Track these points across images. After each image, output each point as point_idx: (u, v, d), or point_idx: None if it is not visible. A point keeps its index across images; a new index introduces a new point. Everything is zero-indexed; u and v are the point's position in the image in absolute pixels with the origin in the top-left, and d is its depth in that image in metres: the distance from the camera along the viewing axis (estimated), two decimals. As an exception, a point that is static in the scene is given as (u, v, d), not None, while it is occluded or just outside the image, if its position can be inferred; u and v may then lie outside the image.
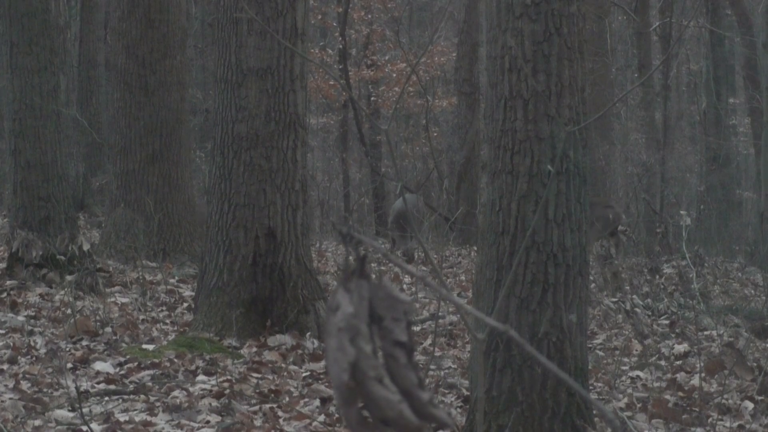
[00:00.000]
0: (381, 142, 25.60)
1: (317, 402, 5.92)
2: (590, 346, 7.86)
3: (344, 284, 1.22)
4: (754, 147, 24.02)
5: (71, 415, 5.38)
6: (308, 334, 7.52)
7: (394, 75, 26.06)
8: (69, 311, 7.93)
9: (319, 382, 6.45)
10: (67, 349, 7.03)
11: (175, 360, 6.68)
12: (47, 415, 5.37)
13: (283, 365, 6.81)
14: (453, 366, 7.20)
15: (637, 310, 9.37)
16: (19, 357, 6.73)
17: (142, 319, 8.39)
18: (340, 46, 24.18)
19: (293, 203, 7.72)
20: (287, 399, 5.94)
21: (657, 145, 21.86)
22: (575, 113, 4.92)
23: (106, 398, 5.83)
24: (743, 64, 24.70)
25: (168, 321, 8.53)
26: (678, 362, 7.68)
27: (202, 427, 5.34)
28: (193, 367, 6.55)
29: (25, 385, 5.95)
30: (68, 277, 9.18)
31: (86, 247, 9.76)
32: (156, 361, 6.62)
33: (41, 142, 10.13)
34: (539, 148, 4.83)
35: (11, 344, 7.04)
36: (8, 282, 9.29)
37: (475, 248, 9.39)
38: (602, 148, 18.00)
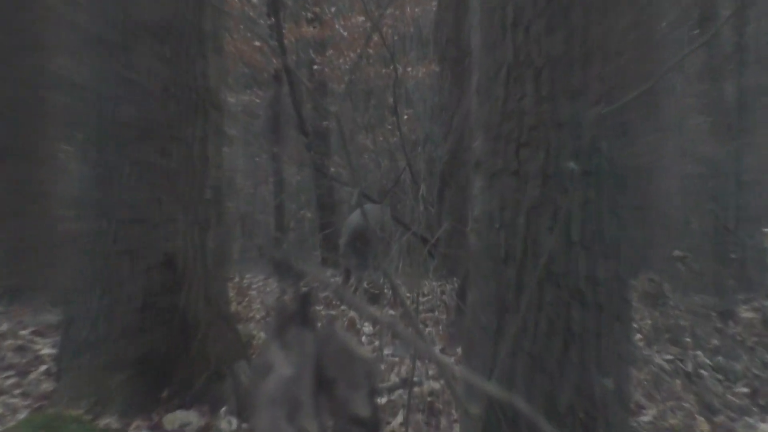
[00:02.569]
0: (329, 130, 25.63)
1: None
2: (635, 424, 7.90)
3: (278, 336, 1.23)
4: None
5: None
6: (223, 409, 7.53)
7: (346, 33, 26.12)
8: None
9: (241, 479, 6.46)
10: None
11: (30, 449, 6.66)
12: None
13: (187, 455, 6.82)
14: (435, 455, 7.23)
15: (702, 372, 9.42)
16: None
17: (-19, 390, 8.36)
18: (270, -8, 24.21)
19: (201, 219, 7.73)
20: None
21: (729, 133, 21.98)
22: (608, 88, 4.95)
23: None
24: None
25: (17, 392, 8.50)
26: (761, 447, 7.74)
27: None
28: (56, 460, 6.54)
29: None
30: None
31: None
32: (2, 450, 6.61)
33: None
34: (557, 138, 4.85)
35: None
36: None
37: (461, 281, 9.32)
38: (648, 137, 18.11)
